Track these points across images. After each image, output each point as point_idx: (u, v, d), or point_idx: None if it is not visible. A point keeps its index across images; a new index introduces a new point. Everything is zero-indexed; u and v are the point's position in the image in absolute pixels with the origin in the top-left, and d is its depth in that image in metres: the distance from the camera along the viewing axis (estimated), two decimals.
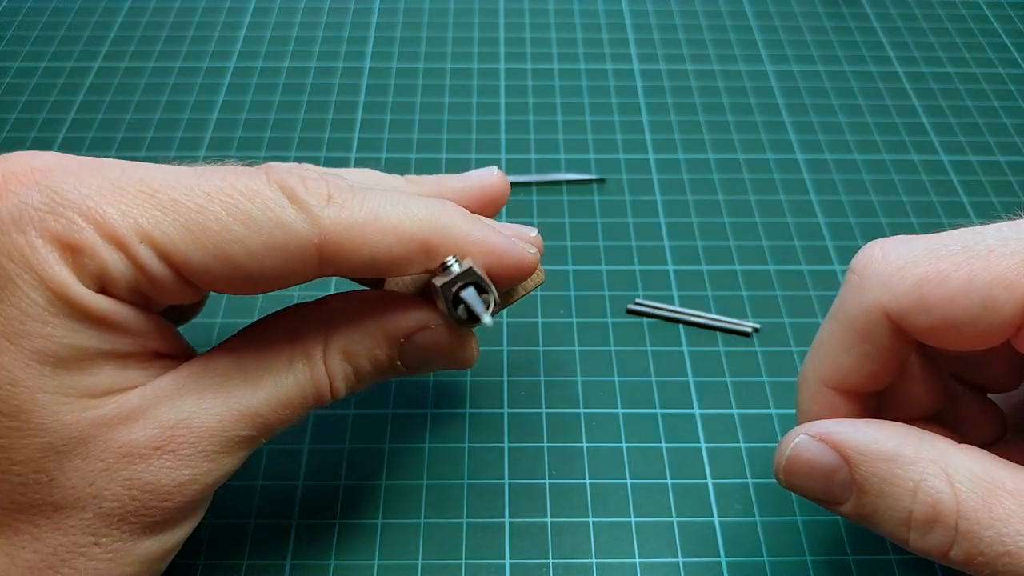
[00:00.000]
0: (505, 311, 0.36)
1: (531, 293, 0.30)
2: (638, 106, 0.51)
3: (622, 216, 0.44)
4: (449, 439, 0.35)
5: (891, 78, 0.53)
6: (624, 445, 0.35)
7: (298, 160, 0.46)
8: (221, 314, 0.39)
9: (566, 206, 0.45)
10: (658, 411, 0.36)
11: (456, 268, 0.25)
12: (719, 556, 0.32)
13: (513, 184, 0.45)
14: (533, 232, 0.28)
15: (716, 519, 0.33)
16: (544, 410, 0.36)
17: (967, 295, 0.22)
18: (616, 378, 0.37)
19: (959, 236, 0.24)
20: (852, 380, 0.26)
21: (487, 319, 0.25)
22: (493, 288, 0.25)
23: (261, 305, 0.39)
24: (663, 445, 0.35)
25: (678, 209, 0.45)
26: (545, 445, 0.35)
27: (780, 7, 0.59)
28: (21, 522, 0.23)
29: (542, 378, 0.37)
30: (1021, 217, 0.24)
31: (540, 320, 0.39)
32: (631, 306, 0.40)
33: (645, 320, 0.40)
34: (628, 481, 0.34)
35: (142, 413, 0.23)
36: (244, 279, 0.23)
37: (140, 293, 0.23)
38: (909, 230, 0.44)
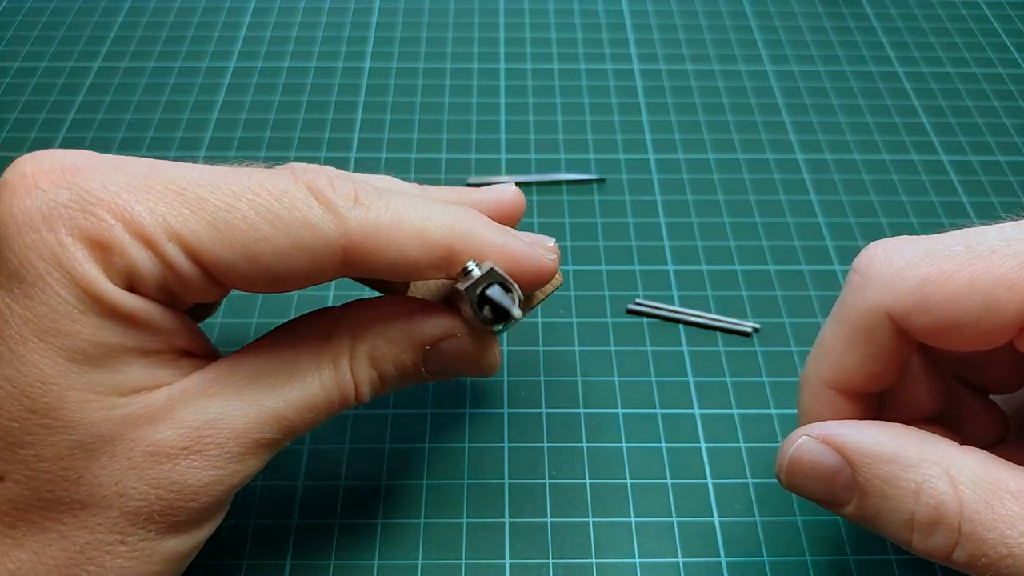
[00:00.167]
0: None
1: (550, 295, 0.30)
2: (638, 106, 0.51)
3: (622, 216, 0.44)
4: (449, 439, 0.35)
5: (891, 78, 0.53)
6: (624, 445, 0.35)
7: (298, 160, 0.46)
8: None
9: (566, 206, 0.45)
10: (658, 411, 0.36)
11: (477, 271, 0.25)
12: (719, 556, 0.32)
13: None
14: (551, 242, 0.29)
15: (716, 519, 0.33)
16: (544, 410, 0.36)
17: (969, 296, 0.22)
18: (616, 378, 0.37)
19: (962, 237, 0.24)
20: (854, 381, 0.26)
21: (516, 312, 0.25)
22: (516, 285, 0.26)
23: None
24: (663, 445, 0.35)
25: (678, 209, 0.45)
26: (545, 445, 0.35)
27: (780, 7, 0.59)
28: (48, 520, 0.23)
29: (542, 378, 0.37)
30: (1023, 217, 0.24)
31: (540, 320, 0.39)
32: (631, 306, 0.40)
33: (645, 320, 0.39)
34: (628, 481, 0.34)
35: (169, 413, 0.23)
36: (270, 278, 0.24)
37: (167, 291, 0.23)
38: (909, 230, 0.44)
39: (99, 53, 0.54)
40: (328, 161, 0.46)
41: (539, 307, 0.39)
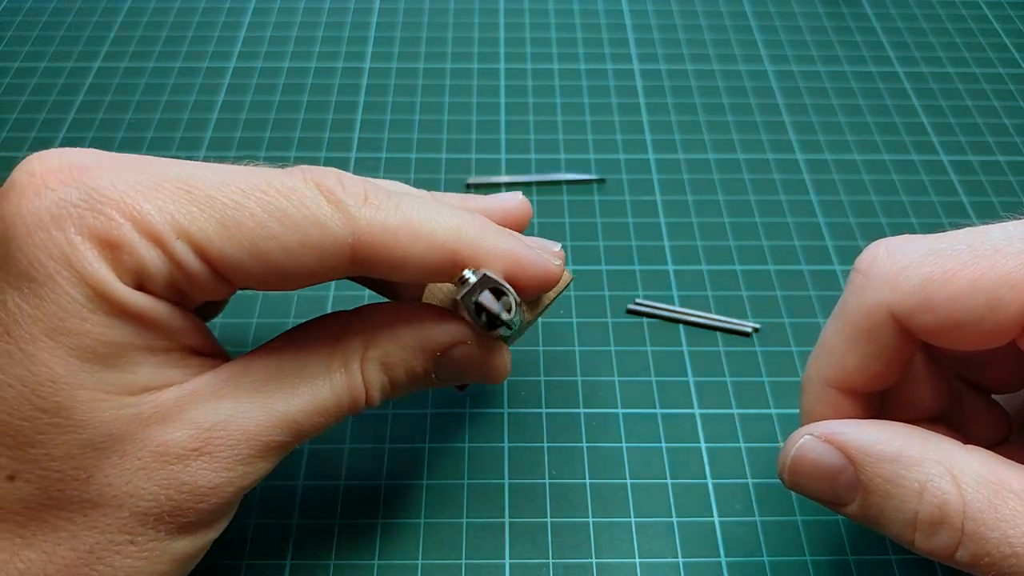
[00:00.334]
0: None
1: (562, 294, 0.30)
2: (638, 106, 0.51)
3: (622, 216, 0.44)
4: (449, 439, 0.35)
5: (891, 78, 0.53)
6: (624, 445, 0.35)
7: (298, 160, 0.46)
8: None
9: (566, 206, 0.45)
10: (658, 411, 0.36)
11: (472, 278, 0.25)
12: (719, 556, 0.32)
13: (514, 184, 0.45)
14: (557, 247, 0.29)
15: (716, 519, 0.33)
16: (544, 410, 0.36)
17: (972, 295, 0.22)
18: (616, 378, 0.37)
19: (964, 236, 0.24)
20: (856, 380, 0.26)
21: (505, 315, 0.25)
22: (512, 290, 0.26)
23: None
24: (663, 445, 0.35)
25: (678, 209, 0.45)
26: (545, 445, 0.35)
27: (780, 7, 0.59)
28: (58, 519, 0.23)
29: (542, 378, 0.37)
30: None
31: (540, 320, 0.39)
32: (631, 306, 0.40)
33: (645, 320, 0.39)
34: (628, 481, 0.34)
35: (179, 413, 0.23)
36: (278, 275, 0.24)
37: (176, 289, 0.23)
38: (909, 230, 0.44)
39: (99, 53, 0.54)
40: (328, 161, 0.46)
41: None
